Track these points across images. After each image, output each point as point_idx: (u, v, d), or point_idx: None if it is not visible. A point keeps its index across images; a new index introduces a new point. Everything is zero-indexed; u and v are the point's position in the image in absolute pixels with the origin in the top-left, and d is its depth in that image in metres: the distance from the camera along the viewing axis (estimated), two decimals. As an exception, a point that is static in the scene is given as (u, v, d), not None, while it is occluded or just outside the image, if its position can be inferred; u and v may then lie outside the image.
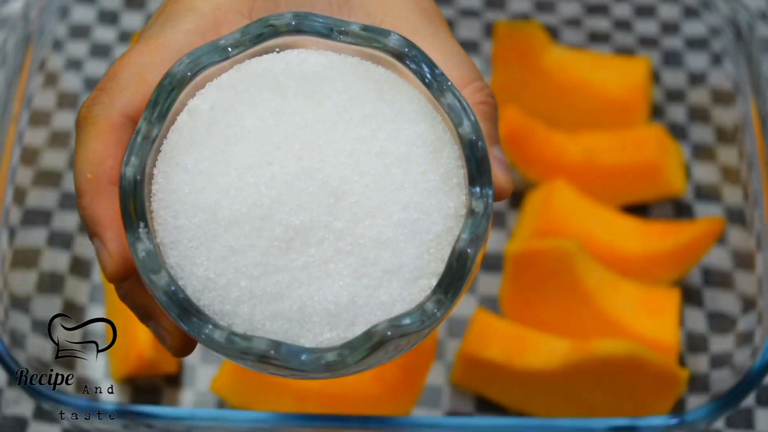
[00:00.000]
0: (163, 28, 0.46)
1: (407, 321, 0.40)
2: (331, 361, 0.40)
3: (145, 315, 0.46)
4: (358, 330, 0.41)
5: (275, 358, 0.40)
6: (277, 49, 0.44)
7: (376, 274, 0.42)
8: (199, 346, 0.46)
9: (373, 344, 0.40)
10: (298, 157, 0.42)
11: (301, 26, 0.43)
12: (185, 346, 0.46)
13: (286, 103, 0.43)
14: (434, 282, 0.42)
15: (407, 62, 0.43)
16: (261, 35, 0.43)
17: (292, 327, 0.41)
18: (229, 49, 0.43)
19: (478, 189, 0.42)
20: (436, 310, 0.41)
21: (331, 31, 0.43)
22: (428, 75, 0.43)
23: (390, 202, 0.42)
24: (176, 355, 0.47)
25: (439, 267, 0.42)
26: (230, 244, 0.41)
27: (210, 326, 0.41)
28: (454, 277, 0.41)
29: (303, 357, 0.40)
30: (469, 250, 0.41)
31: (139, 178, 0.42)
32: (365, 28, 0.43)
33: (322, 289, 0.41)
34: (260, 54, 0.44)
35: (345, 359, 0.40)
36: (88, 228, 0.44)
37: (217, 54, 0.43)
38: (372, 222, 0.42)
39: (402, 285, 0.42)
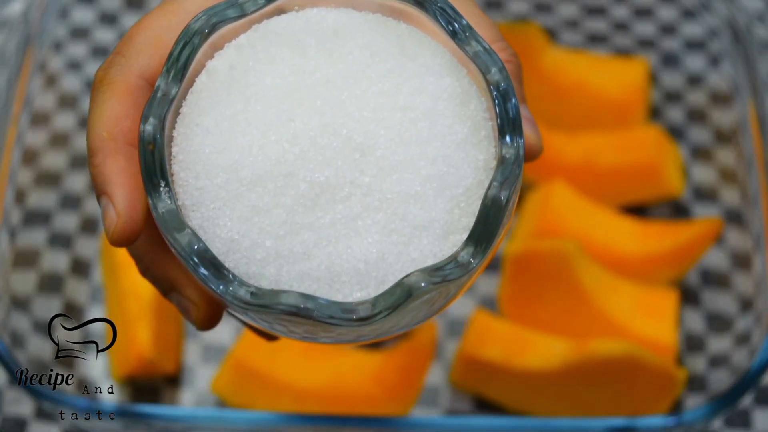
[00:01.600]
0: None
1: (441, 270, 0.39)
2: (363, 314, 0.38)
3: (168, 287, 0.45)
4: None
5: (306, 311, 0.38)
6: (296, 8, 0.43)
7: (406, 230, 0.40)
8: (223, 320, 0.45)
9: (405, 294, 0.38)
10: (320, 113, 0.40)
11: None
12: (211, 318, 0.45)
13: (307, 60, 0.41)
14: (466, 237, 0.40)
15: (430, 9, 0.41)
16: None
17: (321, 287, 0.40)
18: (247, 4, 0.42)
19: (508, 137, 0.40)
20: (471, 259, 0.39)
21: None
22: (453, 23, 0.41)
23: (417, 156, 0.40)
24: (201, 328, 0.45)
25: (470, 222, 0.40)
26: (254, 204, 0.40)
27: (236, 283, 0.39)
28: (487, 225, 0.39)
29: (334, 309, 0.39)
30: (501, 196, 0.39)
31: (159, 135, 0.40)
32: None
33: (350, 247, 0.40)
34: (278, 13, 0.43)
35: (377, 311, 0.38)
36: (97, 187, 0.43)
37: (234, 9, 0.42)
38: (399, 176, 0.40)
39: (433, 241, 0.40)
